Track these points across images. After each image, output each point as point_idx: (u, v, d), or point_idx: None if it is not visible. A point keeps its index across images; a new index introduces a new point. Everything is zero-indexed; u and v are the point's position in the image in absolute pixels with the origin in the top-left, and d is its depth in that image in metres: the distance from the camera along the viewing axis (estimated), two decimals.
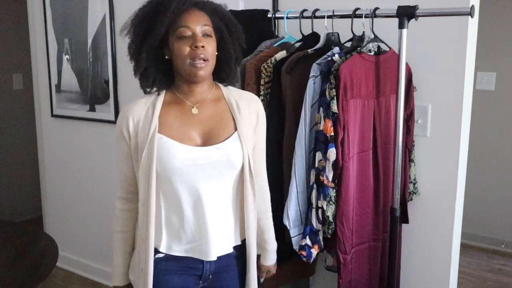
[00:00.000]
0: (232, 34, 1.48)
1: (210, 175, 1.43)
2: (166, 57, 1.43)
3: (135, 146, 1.43)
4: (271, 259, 1.68)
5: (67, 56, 3.25)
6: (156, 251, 1.46)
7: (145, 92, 1.49)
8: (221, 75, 1.51)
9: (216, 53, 1.44)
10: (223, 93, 1.52)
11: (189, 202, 1.42)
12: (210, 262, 1.48)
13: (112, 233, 1.58)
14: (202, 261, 1.47)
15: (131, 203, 1.54)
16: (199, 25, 1.38)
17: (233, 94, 1.53)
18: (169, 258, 1.47)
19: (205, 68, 1.39)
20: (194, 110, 1.45)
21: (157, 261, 1.46)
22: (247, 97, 1.55)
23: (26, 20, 3.49)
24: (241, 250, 1.54)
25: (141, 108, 1.44)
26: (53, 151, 3.51)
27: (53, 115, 3.43)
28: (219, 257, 1.48)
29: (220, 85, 1.54)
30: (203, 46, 1.36)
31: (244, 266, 1.54)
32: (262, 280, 1.69)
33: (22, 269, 1.95)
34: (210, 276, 1.51)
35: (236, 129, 1.47)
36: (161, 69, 1.44)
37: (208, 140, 1.44)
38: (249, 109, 1.52)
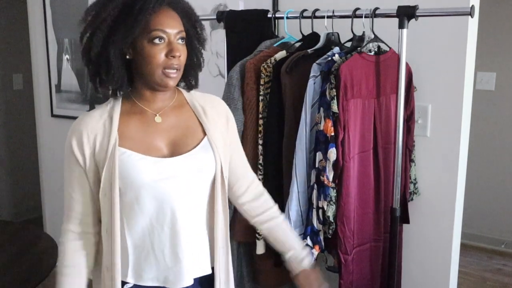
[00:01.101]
0: (199, 38, 1.34)
1: (182, 188, 1.27)
2: (128, 57, 1.25)
3: (93, 166, 1.26)
4: (307, 260, 1.47)
5: (67, 56, 3.25)
6: (123, 283, 1.29)
7: (99, 94, 1.34)
8: (189, 81, 1.36)
9: None
10: (186, 98, 1.38)
11: (160, 221, 1.26)
12: None
13: (57, 268, 1.32)
14: None
15: (85, 239, 1.31)
16: (175, 29, 1.22)
17: (197, 98, 1.38)
18: None
19: (176, 78, 1.25)
20: (157, 119, 1.29)
21: None
22: (212, 100, 1.41)
23: (26, 20, 3.49)
24: (207, 282, 1.36)
25: (96, 121, 1.27)
26: (53, 151, 3.51)
27: (53, 115, 3.43)
28: (196, 280, 1.33)
29: (182, 90, 1.39)
30: (179, 56, 1.22)
31: None
32: None
33: (22, 269, 1.95)
34: None
35: (204, 134, 1.33)
36: (123, 71, 1.25)
37: (175, 149, 1.29)
38: (217, 112, 1.39)
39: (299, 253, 1.47)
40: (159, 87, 1.26)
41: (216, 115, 1.38)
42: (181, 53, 1.23)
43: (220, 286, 1.36)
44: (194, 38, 1.32)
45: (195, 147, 1.31)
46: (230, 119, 1.43)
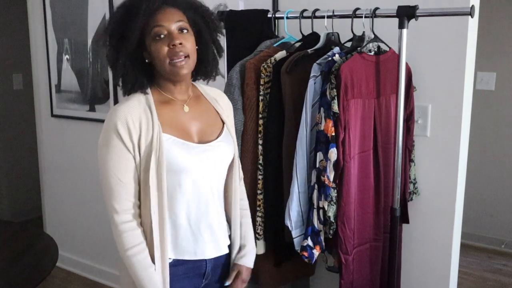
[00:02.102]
0: (208, 25, 1.45)
1: (210, 172, 1.44)
2: (147, 60, 1.39)
3: (139, 151, 1.35)
4: (250, 260, 1.60)
5: (67, 56, 3.25)
6: None
7: (127, 95, 1.43)
8: (202, 69, 1.49)
9: (196, 47, 1.41)
10: (199, 90, 1.53)
11: (194, 200, 1.41)
12: (210, 259, 1.49)
13: (125, 252, 1.36)
14: (205, 260, 1.47)
15: (133, 215, 1.38)
16: (173, 22, 1.35)
17: (207, 91, 1.55)
18: (176, 263, 1.43)
19: (187, 66, 1.37)
20: (186, 108, 1.44)
21: None
22: (219, 93, 1.59)
23: (26, 20, 3.49)
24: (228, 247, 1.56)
25: (137, 109, 1.36)
26: (53, 151, 3.51)
27: (53, 115, 3.43)
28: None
29: (194, 83, 1.53)
30: (181, 43, 1.34)
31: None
32: (227, 283, 1.55)
33: (22, 269, 1.95)
34: (210, 272, 1.51)
35: (223, 122, 1.51)
36: (141, 73, 1.40)
37: (203, 137, 1.44)
38: (224, 103, 1.57)
39: (247, 250, 1.59)
40: (173, 77, 1.38)
41: (225, 106, 1.56)
42: (182, 41, 1.34)
43: (235, 250, 1.57)
44: (203, 27, 1.43)
45: (219, 135, 1.48)
46: (231, 112, 1.61)
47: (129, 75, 1.38)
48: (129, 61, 1.37)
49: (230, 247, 1.56)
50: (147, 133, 1.34)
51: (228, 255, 1.56)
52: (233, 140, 1.52)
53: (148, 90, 1.42)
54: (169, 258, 1.40)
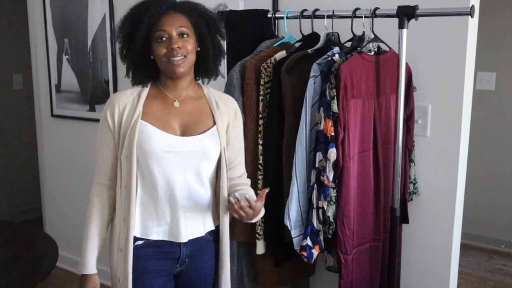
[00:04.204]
0: (211, 30, 1.58)
1: (185, 163, 1.53)
2: (152, 57, 1.54)
3: (119, 131, 1.53)
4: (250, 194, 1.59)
5: (67, 56, 3.25)
6: (135, 238, 1.53)
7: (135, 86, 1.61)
8: (203, 70, 1.62)
9: (198, 49, 1.56)
10: (204, 92, 1.64)
11: (163, 186, 1.51)
12: (186, 245, 1.57)
13: (86, 218, 1.57)
14: (179, 245, 1.56)
15: (109, 190, 1.58)
16: (174, 27, 1.49)
17: (213, 94, 1.65)
18: (147, 244, 1.55)
19: (183, 64, 1.50)
20: (176, 104, 1.56)
21: (136, 249, 1.53)
22: (227, 99, 1.68)
23: (26, 20, 3.49)
24: (215, 235, 1.64)
25: (127, 97, 1.55)
26: (53, 151, 3.51)
27: (53, 115, 3.43)
28: (193, 240, 1.58)
29: (202, 85, 1.65)
30: (179, 47, 1.48)
31: (218, 250, 1.64)
32: (236, 195, 1.48)
33: (22, 269, 1.95)
34: (186, 260, 1.59)
35: (214, 124, 1.59)
36: (147, 69, 1.56)
37: (186, 131, 1.55)
38: (227, 109, 1.64)
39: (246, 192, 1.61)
40: (171, 74, 1.52)
41: (227, 112, 1.63)
42: (181, 45, 1.48)
43: (223, 238, 1.63)
44: (206, 32, 1.56)
45: (203, 132, 1.56)
46: (238, 117, 1.67)
47: (137, 69, 1.57)
48: (137, 57, 1.54)
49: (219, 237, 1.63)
50: (127, 117, 1.52)
51: (212, 244, 1.63)
52: (219, 141, 1.58)
53: (148, 84, 1.59)
54: (140, 239, 1.54)
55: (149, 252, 1.55)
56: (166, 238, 1.56)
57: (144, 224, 1.55)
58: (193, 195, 1.56)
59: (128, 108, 1.54)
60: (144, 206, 1.54)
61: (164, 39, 1.49)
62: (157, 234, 1.55)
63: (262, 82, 1.89)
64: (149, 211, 1.54)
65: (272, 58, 1.90)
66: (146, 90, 1.58)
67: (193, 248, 1.59)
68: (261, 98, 1.90)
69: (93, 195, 1.59)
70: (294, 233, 1.80)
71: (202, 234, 1.61)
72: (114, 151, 1.56)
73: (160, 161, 1.50)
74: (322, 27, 1.88)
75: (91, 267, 1.56)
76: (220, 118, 1.60)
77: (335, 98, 1.69)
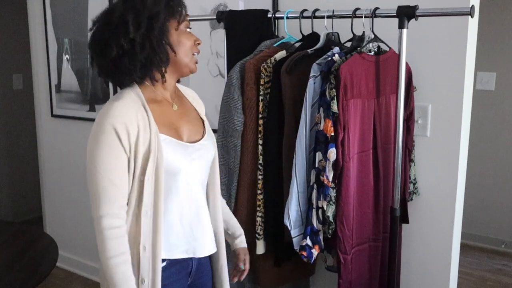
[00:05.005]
0: None
1: (200, 172, 1.45)
2: (156, 49, 1.32)
3: (135, 152, 1.30)
4: (244, 240, 1.69)
5: (67, 56, 3.25)
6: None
7: (120, 86, 1.39)
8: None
9: None
10: (179, 89, 1.54)
11: (186, 200, 1.40)
12: (196, 257, 1.48)
13: (107, 260, 1.27)
14: (191, 258, 1.47)
15: (122, 220, 1.32)
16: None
17: (184, 89, 1.56)
18: (169, 264, 1.41)
19: None
20: (175, 107, 1.43)
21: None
22: (193, 91, 1.60)
23: (26, 20, 3.49)
24: None
25: (133, 108, 1.31)
26: (53, 151, 3.51)
27: (53, 115, 3.43)
28: None
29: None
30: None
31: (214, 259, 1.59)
32: (243, 267, 1.65)
33: (22, 269, 1.95)
34: (195, 272, 1.51)
35: (202, 120, 1.52)
36: (153, 64, 1.36)
37: (190, 136, 1.43)
38: (198, 102, 1.58)
39: (240, 233, 1.68)
40: (189, 71, 1.41)
41: (200, 105, 1.57)
42: None
43: (221, 246, 1.57)
44: None
45: (203, 133, 1.48)
46: (204, 110, 1.59)
47: (153, 63, 1.33)
48: (149, 42, 1.31)
49: (217, 242, 1.55)
50: (144, 133, 1.30)
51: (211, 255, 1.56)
52: (213, 138, 1.53)
53: (136, 86, 1.37)
54: (163, 260, 1.37)
55: (171, 272, 1.42)
56: (187, 255, 1.44)
57: (169, 246, 1.39)
58: (206, 204, 1.50)
59: (142, 124, 1.30)
60: (169, 226, 1.38)
61: (189, 29, 1.38)
62: (180, 252, 1.42)
63: (262, 82, 1.89)
64: (175, 231, 1.40)
65: (272, 58, 1.90)
66: (141, 95, 1.35)
67: (198, 259, 1.51)
68: (261, 98, 1.90)
69: (108, 228, 1.28)
70: (294, 233, 1.80)
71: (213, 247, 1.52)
72: (126, 176, 1.31)
73: (182, 175, 1.37)
74: (322, 27, 1.88)
75: None
76: (202, 113, 1.53)
77: (335, 98, 1.69)
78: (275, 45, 2.01)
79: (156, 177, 1.32)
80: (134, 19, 1.30)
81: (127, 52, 1.31)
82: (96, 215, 1.30)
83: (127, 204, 1.33)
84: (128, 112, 1.30)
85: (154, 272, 1.33)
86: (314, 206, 1.76)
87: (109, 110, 1.30)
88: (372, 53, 1.83)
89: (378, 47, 1.85)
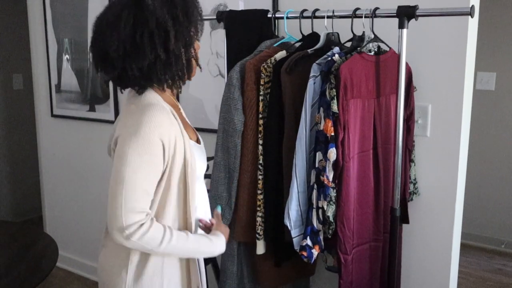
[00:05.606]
0: None
1: (203, 173, 1.51)
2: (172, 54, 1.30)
3: (173, 158, 1.30)
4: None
5: (67, 56, 3.25)
6: None
7: (124, 88, 1.38)
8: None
9: None
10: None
11: (201, 203, 1.48)
12: None
13: (157, 248, 1.29)
14: None
15: (146, 221, 1.29)
16: None
17: None
18: None
19: None
20: (182, 110, 1.51)
21: None
22: None
23: (26, 20, 3.49)
24: None
25: (169, 118, 1.30)
26: (53, 151, 3.51)
27: (53, 115, 3.43)
28: None
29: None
30: None
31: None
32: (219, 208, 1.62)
33: (22, 269, 1.95)
34: None
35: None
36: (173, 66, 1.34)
37: (195, 137, 1.48)
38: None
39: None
40: (192, 76, 1.42)
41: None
42: None
43: None
44: None
45: (197, 135, 1.51)
46: None
47: (179, 67, 1.32)
48: (186, 55, 1.32)
49: None
50: (179, 142, 1.30)
51: None
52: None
53: (151, 90, 1.34)
54: None
55: None
56: None
57: None
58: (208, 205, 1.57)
59: (174, 131, 1.30)
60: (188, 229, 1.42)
61: None
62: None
63: (262, 82, 1.89)
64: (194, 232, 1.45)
65: (272, 58, 1.90)
66: (165, 102, 1.34)
67: None
68: (261, 98, 1.90)
69: (142, 235, 1.25)
70: (294, 233, 1.80)
71: None
72: (155, 185, 1.30)
73: (201, 178, 1.45)
74: (322, 27, 1.88)
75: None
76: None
77: (335, 98, 1.69)
78: (275, 45, 2.01)
79: (191, 184, 1.35)
80: (176, 31, 1.26)
81: (161, 61, 1.27)
82: (126, 223, 1.24)
83: (168, 214, 1.34)
84: (166, 122, 1.28)
85: (202, 277, 1.47)
86: (314, 206, 1.76)
87: (152, 120, 1.26)
88: (372, 53, 1.83)
89: (378, 47, 1.85)
